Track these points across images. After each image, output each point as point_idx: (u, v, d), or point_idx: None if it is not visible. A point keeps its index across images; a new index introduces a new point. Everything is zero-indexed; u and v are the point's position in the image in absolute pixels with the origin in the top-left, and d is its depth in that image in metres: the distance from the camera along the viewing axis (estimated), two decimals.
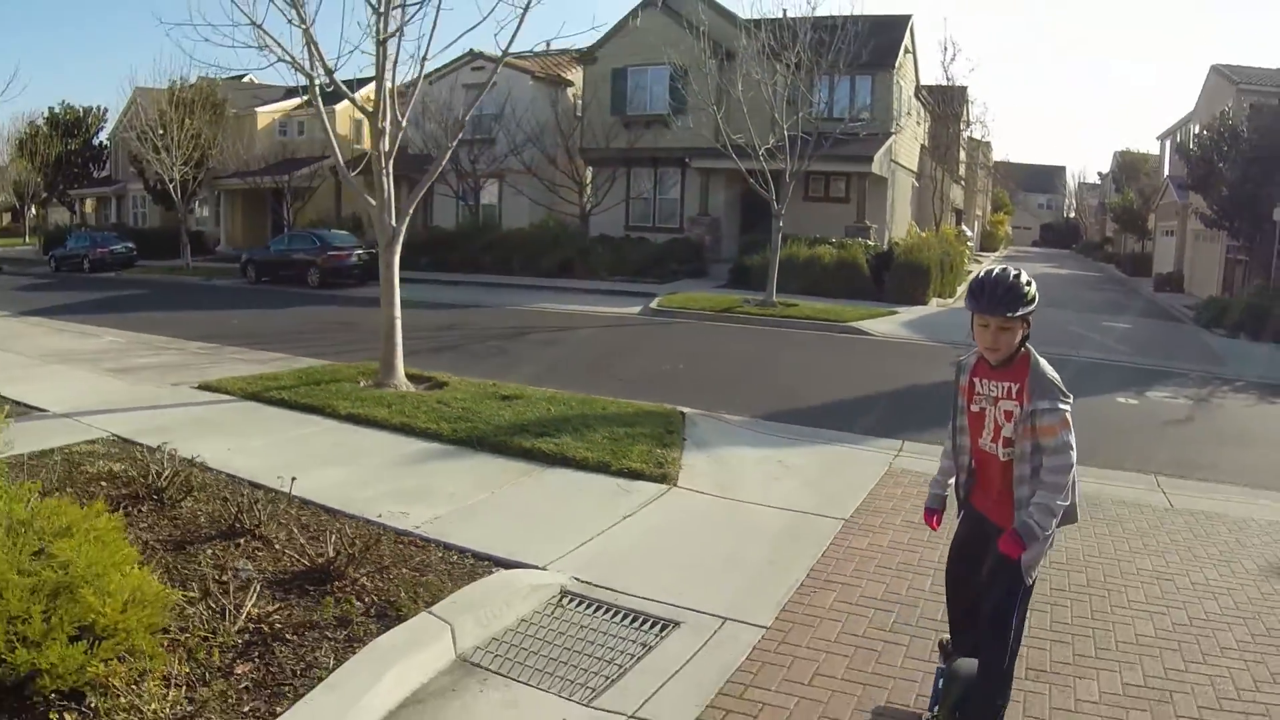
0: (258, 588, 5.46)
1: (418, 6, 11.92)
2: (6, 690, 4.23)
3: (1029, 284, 4.11)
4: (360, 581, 5.79)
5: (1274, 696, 4.95)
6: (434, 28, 12.65)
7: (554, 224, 36.62)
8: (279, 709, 4.40)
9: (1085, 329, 23.58)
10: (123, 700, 4.23)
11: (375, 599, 5.61)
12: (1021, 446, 4.13)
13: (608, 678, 4.96)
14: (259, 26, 11.95)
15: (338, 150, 13.07)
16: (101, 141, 61.68)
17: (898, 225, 37.78)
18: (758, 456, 9.67)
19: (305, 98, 41.65)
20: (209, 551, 6.24)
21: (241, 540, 6.48)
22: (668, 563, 6.57)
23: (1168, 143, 49.16)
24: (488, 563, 6.36)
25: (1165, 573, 6.77)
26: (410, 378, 12.69)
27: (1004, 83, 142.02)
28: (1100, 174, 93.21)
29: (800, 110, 25.26)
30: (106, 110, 61.03)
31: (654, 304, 25.98)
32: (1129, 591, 6.36)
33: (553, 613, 5.73)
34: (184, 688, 4.45)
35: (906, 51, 37.29)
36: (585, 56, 37.11)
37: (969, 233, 53.02)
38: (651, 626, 5.56)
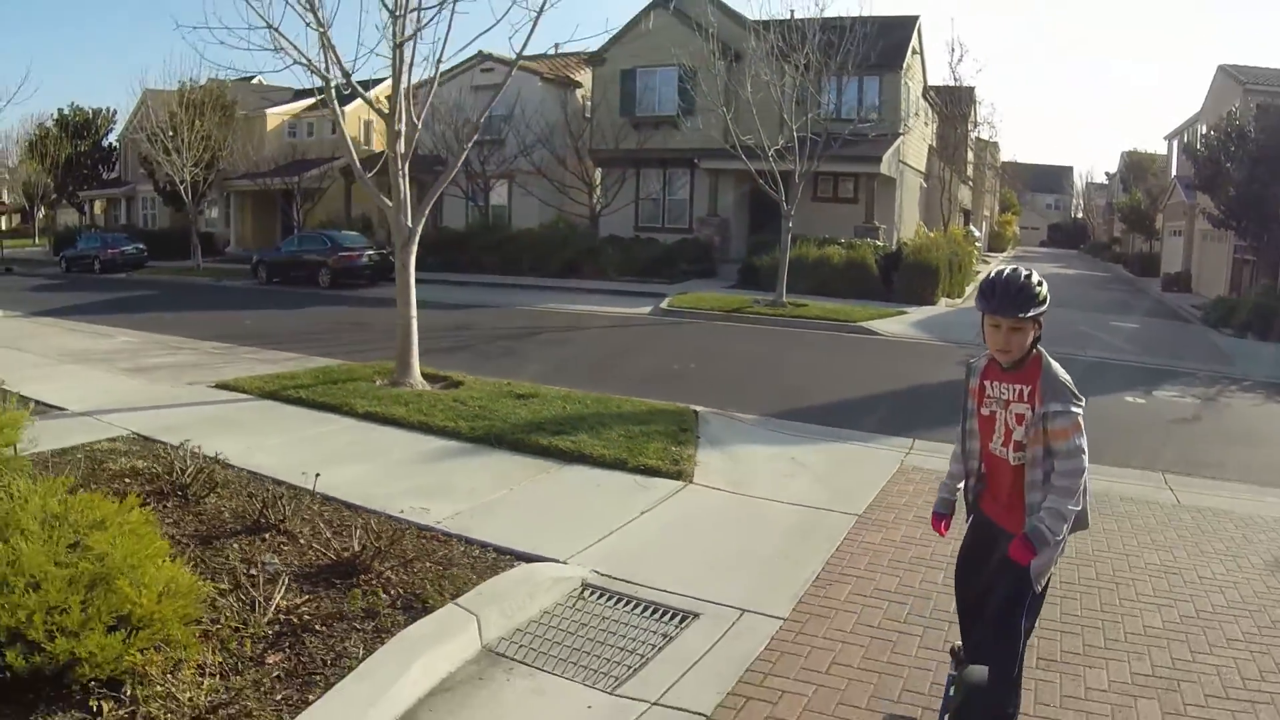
0: (286, 580, 5.57)
1: (435, 10, 12.06)
2: (46, 679, 4.32)
3: (1040, 284, 4.02)
4: (385, 575, 5.91)
5: (1279, 687, 5.06)
6: (449, 30, 12.71)
7: (563, 224, 36.73)
8: (311, 697, 4.52)
9: (1093, 328, 23.65)
10: (159, 689, 4.34)
11: (401, 592, 5.74)
12: (1033, 451, 4.06)
13: (630, 667, 5.09)
14: (275, 29, 12.08)
15: (353, 152, 13.21)
16: (111, 143, 61.86)
17: (906, 226, 37.85)
18: (770, 454, 9.81)
19: (316, 99, 41.85)
20: (235, 546, 6.36)
21: (267, 535, 6.61)
22: (686, 557, 6.70)
23: (1175, 143, 49.15)
24: (509, 557, 6.49)
25: (1173, 567, 6.90)
26: (426, 377, 12.82)
27: (1011, 83, 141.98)
28: (1108, 174, 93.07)
29: (809, 111, 25.35)
30: (115, 112, 61.31)
31: (664, 304, 26.10)
32: (1137, 585, 6.49)
33: (574, 605, 5.87)
34: (218, 676, 4.57)
35: (914, 52, 37.36)
36: (594, 58, 37.21)
37: (977, 233, 52.96)
38: (671, 618, 5.69)
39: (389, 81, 12.67)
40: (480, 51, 34.84)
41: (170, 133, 38.51)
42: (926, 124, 43.67)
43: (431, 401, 11.23)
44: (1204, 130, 36.67)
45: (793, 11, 28.39)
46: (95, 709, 4.24)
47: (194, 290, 33.50)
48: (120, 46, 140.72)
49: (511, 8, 12.41)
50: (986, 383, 4.29)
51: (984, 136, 56.78)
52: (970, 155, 53.36)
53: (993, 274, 4.17)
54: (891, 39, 31.71)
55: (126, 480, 7.77)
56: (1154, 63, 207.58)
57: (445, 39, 13.20)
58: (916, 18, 37.54)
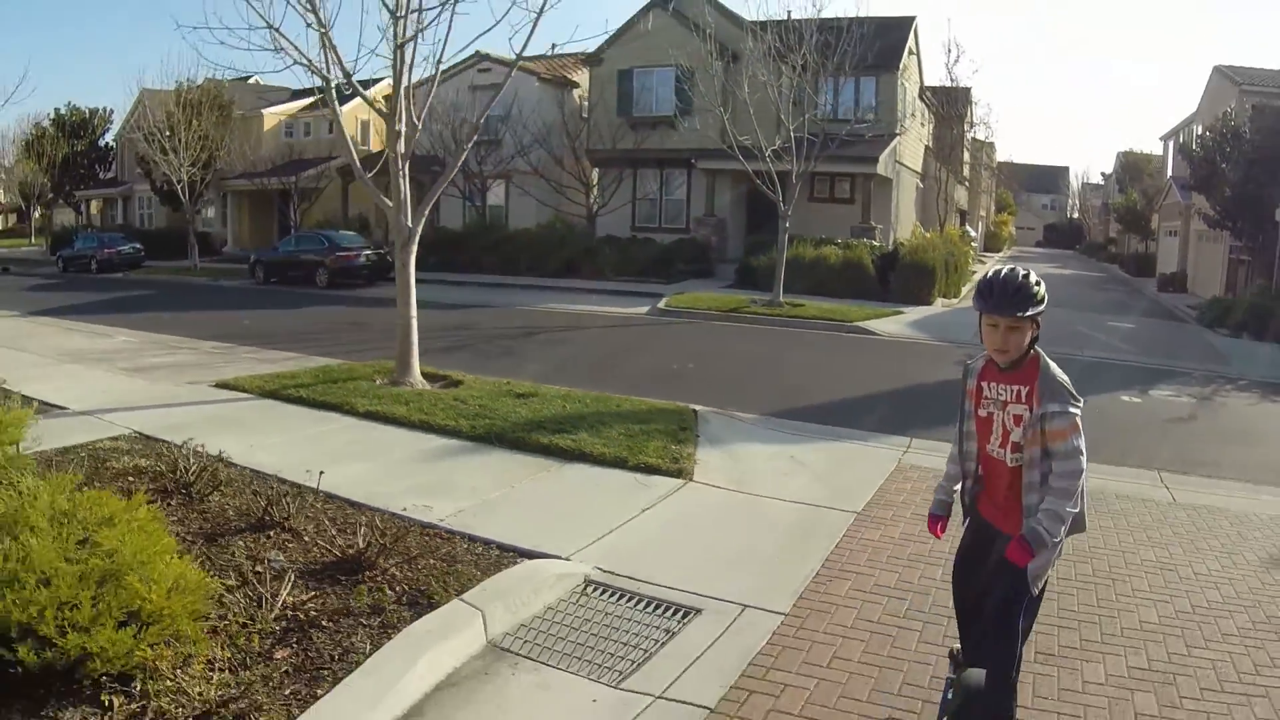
0: (292, 577, 5.62)
1: (437, 11, 12.11)
2: (57, 674, 4.35)
3: (1038, 284, 4.02)
4: (390, 571, 5.97)
5: (1274, 680, 5.14)
6: (449, 31, 12.77)
7: (561, 224, 36.80)
8: (320, 691, 4.57)
9: (1089, 329, 23.75)
10: (169, 683, 4.38)
11: (406, 588, 5.79)
12: (1031, 452, 4.04)
13: (634, 661, 5.16)
14: (276, 30, 12.13)
15: (354, 152, 13.26)
16: (107, 143, 61.79)
17: (902, 226, 37.94)
18: (769, 452, 9.88)
19: (313, 99, 41.84)
20: (240, 543, 6.41)
21: (271, 533, 6.65)
22: (687, 553, 6.77)
23: (1170, 143, 49.26)
24: (512, 554, 6.55)
25: (1168, 563, 6.97)
26: (425, 376, 12.88)
27: (1006, 83, 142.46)
28: (1103, 174, 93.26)
29: (806, 112, 25.43)
30: (112, 111, 61.25)
31: (661, 304, 26.18)
32: (1133, 581, 6.56)
33: (578, 601, 5.93)
34: (227, 671, 4.61)
35: (910, 53, 37.44)
36: (591, 58, 37.23)
37: (973, 233, 53.11)
38: (674, 614, 5.76)
39: (386, 81, 12.74)
40: (477, 52, 34.82)
41: (168, 132, 38.50)
42: (923, 124, 43.76)
43: (432, 400, 11.29)
44: (1199, 131, 36.80)
45: (789, 12, 28.51)
46: (106, 704, 4.26)
47: (192, 290, 33.51)
48: (117, 47, 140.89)
49: (511, 8, 12.46)
50: (984, 384, 4.28)
51: (980, 137, 56.96)
52: (966, 156, 53.50)
53: (990, 273, 4.17)
54: (888, 40, 31.82)
55: (130, 479, 7.79)
56: (1150, 62, 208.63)
57: (445, 40, 13.22)
58: (913, 19, 37.67)
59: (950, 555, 4.69)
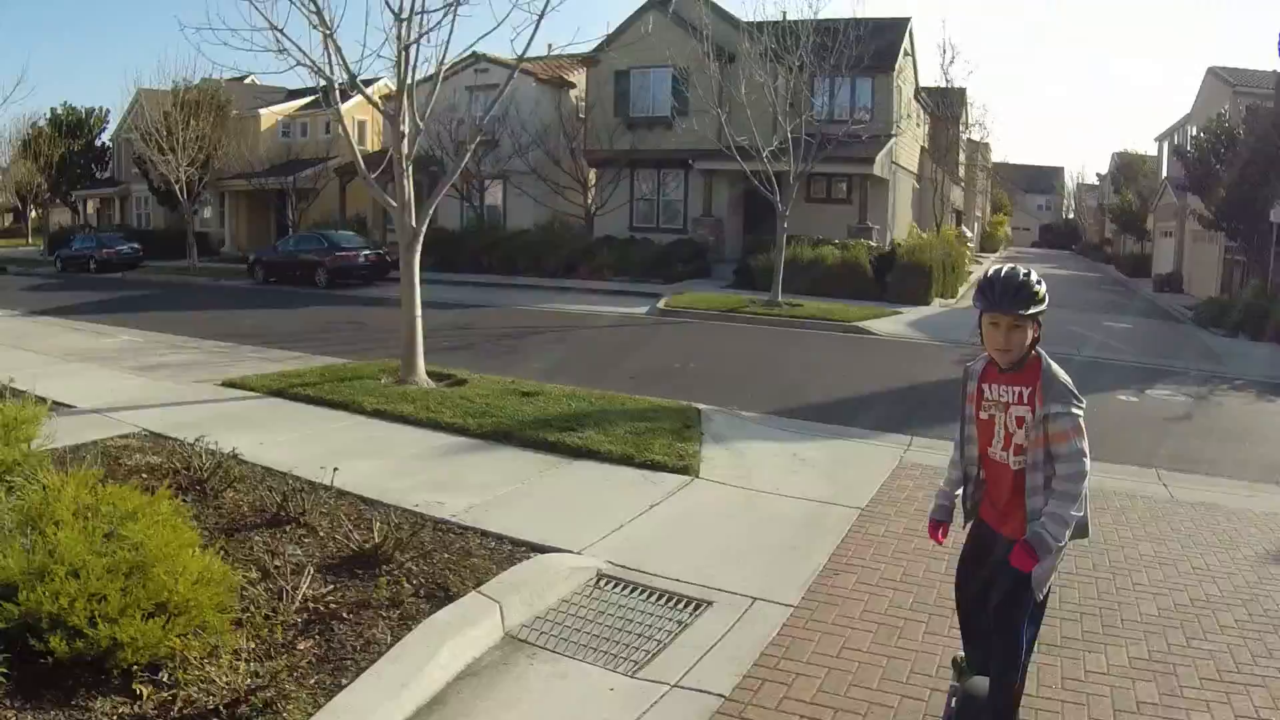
0: (311, 571, 5.74)
1: (441, 13, 12.21)
2: (85, 665, 4.45)
3: (1039, 283, 3.99)
4: (406, 565, 6.08)
5: (1271, 670, 5.27)
6: (450, 34, 12.87)
7: (558, 225, 36.89)
8: (344, 681, 4.68)
9: (1086, 329, 23.87)
10: (197, 672, 4.48)
11: (423, 581, 5.91)
12: (1033, 454, 4.00)
13: (648, 652, 5.28)
14: (280, 31, 12.20)
15: (357, 153, 13.36)
16: (104, 143, 61.69)
17: (899, 226, 38.06)
18: (773, 450, 10.00)
19: (310, 100, 41.84)
20: (257, 538, 6.51)
21: (287, 528, 6.75)
22: (696, 548, 6.88)
23: (1165, 144, 49.46)
24: (525, 548, 6.66)
25: (1167, 558, 7.10)
26: (430, 375, 12.97)
27: (1001, 83, 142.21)
28: (1099, 175, 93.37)
29: (803, 112, 25.55)
30: (109, 111, 61.14)
31: (661, 304, 26.29)
32: (1134, 575, 6.69)
33: (591, 593, 6.06)
34: (252, 662, 4.71)
35: (906, 54, 37.54)
36: (589, 59, 37.29)
37: (969, 234, 53.30)
38: (685, 606, 5.88)
39: (383, 81, 12.84)
40: (475, 53, 34.86)
41: (165, 132, 38.54)
42: (919, 125, 43.89)
43: (438, 399, 11.41)
44: (1194, 132, 36.96)
45: (785, 13, 28.65)
46: (137, 693, 4.36)
47: (191, 290, 33.61)
48: (111, 47, 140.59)
49: (512, 10, 12.56)
50: (985, 386, 4.24)
51: (975, 138, 57.09)
52: (962, 156, 53.62)
53: (991, 272, 4.13)
54: (883, 41, 31.88)
55: (143, 475, 7.83)
56: (1149, 61, 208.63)
57: (448, 42, 13.31)
58: (908, 20, 37.74)
59: (953, 549, 4.73)
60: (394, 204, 12.67)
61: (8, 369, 11.81)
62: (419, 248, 12.89)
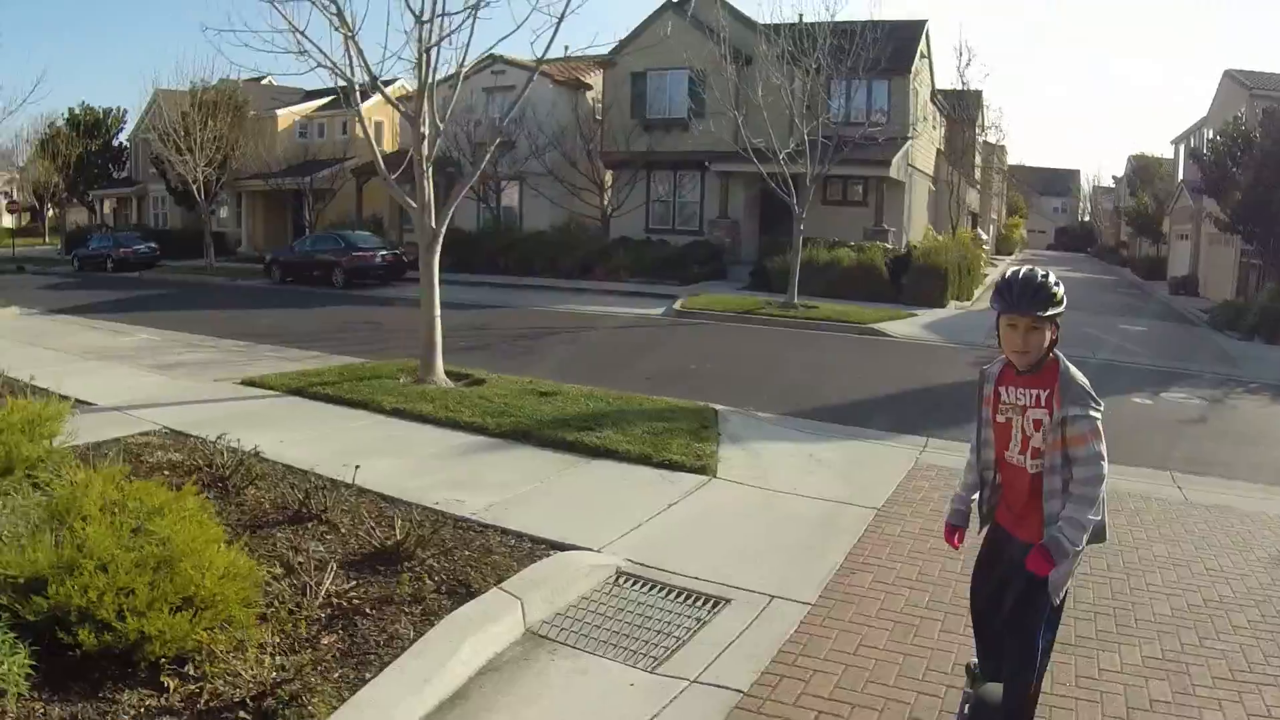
0: (334, 567, 5.81)
1: (466, 15, 12.29)
2: (113, 658, 4.52)
3: (1057, 284, 3.98)
4: (428, 562, 6.16)
5: None
6: (470, 36, 12.94)
7: (575, 226, 36.97)
8: (368, 675, 4.76)
9: (1102, 331, 23.85)
10: (222, 666, 4.56)
11: (444, 578, 5.99)
12: (1051, 458, 3.97)
13: (668, 648, 5.35)
14: (302, 33, 12.32)
15: (378, 154, 13.48)
16: (121, 143, 62.02)
17: (914, 229, 38.03)
18: (789, 450, 10.06)
19: (327, 100, 41.95)
20: (279, 535, 6.60)
21: (309, 524, 6.83)
22: (714, 546, 6.95)
23: (1181, 147, 49.31)
24: (544, 546, 6.74)
25: (1181, 559, 7.15)
26: (449, 375, 13.05)
27: (1018, 85, 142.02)
28: (1115, 178, 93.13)
29: (819, 115, 25.58)
30: (126, 112, 61.45)
31: (677, 305, 26.35)
32: (1147, 575, 6.74)
33: (610, 591, 6.13)
34: (278, 655, 4.80)
35: (922, 56, 37.51)
36: (605, 60, 37.32)
37: (984, 236, 53.20)
38: (703, 603, 5.95)
39: (399, 82, 12.91)
40: (492, 54, 34.96)
41: (183, 133, 38.73)
42: (935, 128, 43.86)
43: (457, 398, 11.49)
44: (1210, 135, 36.87)
45: (801, 15, 28.69)
46: (163, 685, 4.43)
47: (208, 289, 33.80)
48: (131, 48, 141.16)
49: (531, 13, 12.64)
50: (1002, 389, 4.22)
51: (991, 140, 57.01)
52: (978, 159, 53.54)
53: (1009, 273, 4.10)
54: (900, 43, 31.83)
55: (165, 473, 7.93)
56: (1144, 61, 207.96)
57: (468, 44, 13.40)
58: (925, 22, 37.70)
59: (969, 550, 4.74)
60: (414, 205, 12.74)
61: (27, 367, 11.89)
62: (439, 248, 12.97)
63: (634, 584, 6.23)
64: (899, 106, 34.04)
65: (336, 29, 12.20)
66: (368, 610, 5.44)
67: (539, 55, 12.82)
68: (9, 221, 57.12)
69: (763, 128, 25.06)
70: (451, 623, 5.32)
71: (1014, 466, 4.18)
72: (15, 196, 69.72)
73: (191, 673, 4.58)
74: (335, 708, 4.45)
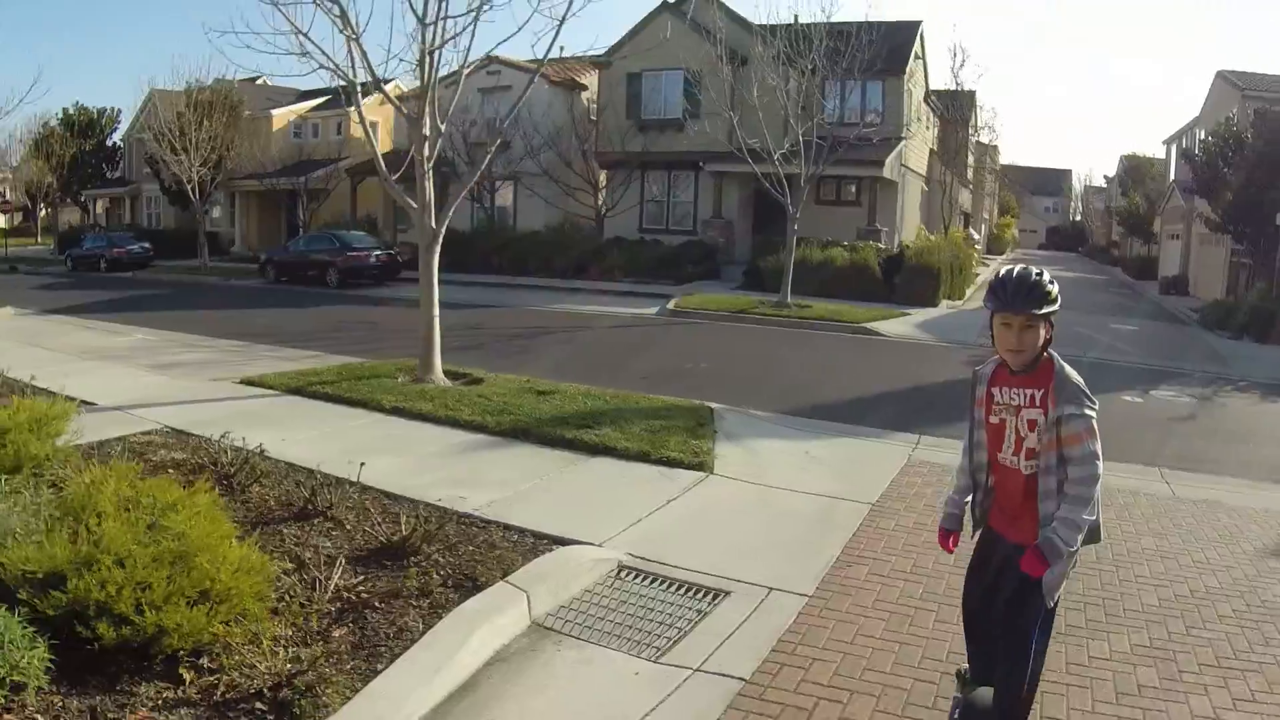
0: (342, 562, 5.93)
1: (470, 18, 12.40)
2: (130, 651, 4.61)
3: (1051, 283, 3.95)
4: (434, 557, 6.29)
5: (1267, 657, 5.48)
6: (472, 39, 13.06)
7: (569, 226, 37.08)
8: (379, 666, 4.88)
9: (1093, 330, 24.03)
10: (238, 658, 4.67)
11: (450, 572, 6.11)
12: (1046, 458, 3.93)
13: (670, 639, 5.49)
14: (305, 35, 12.42)
15: (378, 154, 13.57)
16: (115, 143, 61.95)
17: (907, 228, 38.19)
18: (785, 448, 10.22)
19: (321, 100, 41.90)
20: (286, 531, 6.71)
21: (315, 521, 6.95)
22: (713, 541, 7.10)
23: (1173, 147, 49.52)
24: (547, 541, 6.86)
25: (1169, 552, 7.32)
26: (447, 374, 13.16)
27: (1010, 85, 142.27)
28: (1106, 178, 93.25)
29: (814, 115, 25.70)
30: (120, 112, 61.42)
31: (671, 305, 26.48)
32: (1136, 567, 6.91)
33: (613, 584, 6.27)
34: (291, 648, 4.92)
35: (916, 57, 37.66)
36: (601, 61, 37.41)
37: (976, 236, 53.36)
38: (704, 596, 6.09)
39: (396, 82, 12.98)
40: (487, 54, 34.97)
41: (178, 132, 38.76)
42: (928, 128, 44.02)
43: (456, 397, 11.61)
44: (1202, 136, 37.07)
45: (796, 16, 28.81)
46: (180, 677, 4.54)
47: (203, 289, 33.85)
48: (127, 47, 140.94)
49: (533, 15, 12.75)
50: (995, 389, 4.16)
51: (984, 140, 57.13)
52: (970, 159, 53.68)
53: (1003, 272, 4.05)
54: (894, 44, 31.96)
55: (170, 471, 8.00)
56: (1144, 61, 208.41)
57: (470, 46, 13.51)
58: (919, 23, 37.84)
59: (964, 545, 4.71)
60: (414, 206, 12.84)
61: (27, 367, 11.95)
62: (438, 249, 13.08)
63: (635, 577, 6.37)
64: (893, 107, 34.18)
65: (340, 31, 12.29)
66: (377, 604, 5.56)
67: (539, 57, 12.93)
68: (1, 221, 56.96)
69: (757, 128, 25.19)
70: (459, 615, 5.45)
71: (1007, 468, 4.14)
72: (8, 196, 69.69)
73: (208, 665, 4.68)
74: (349, 698, 4.56)
